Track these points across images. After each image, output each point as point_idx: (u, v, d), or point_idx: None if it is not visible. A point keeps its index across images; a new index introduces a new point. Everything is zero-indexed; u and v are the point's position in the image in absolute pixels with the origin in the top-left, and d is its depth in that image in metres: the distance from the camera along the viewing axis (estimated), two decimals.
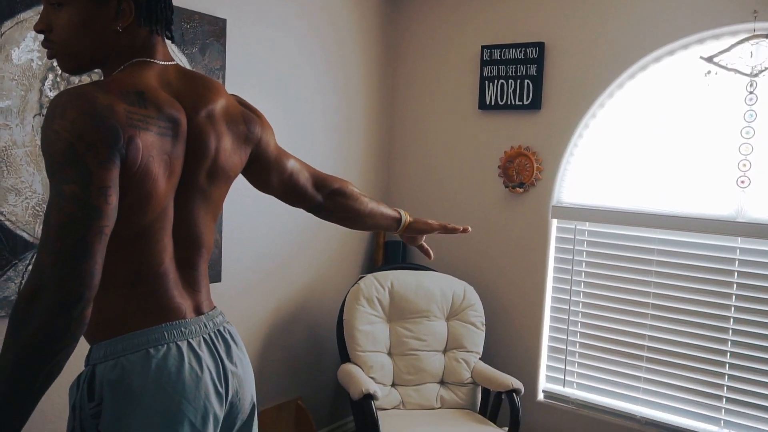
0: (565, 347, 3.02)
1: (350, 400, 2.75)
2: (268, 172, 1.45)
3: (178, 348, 1.18)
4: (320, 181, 1.57)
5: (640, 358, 2.82)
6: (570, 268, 3.00)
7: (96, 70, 1.35)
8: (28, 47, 1.93)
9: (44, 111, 1.99)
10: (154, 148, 1.11)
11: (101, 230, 1.01)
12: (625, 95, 2.86)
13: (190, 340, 1.21)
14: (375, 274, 2.97)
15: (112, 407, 1.12)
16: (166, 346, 1.17)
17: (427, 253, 1.77)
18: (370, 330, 2.83)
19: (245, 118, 1.35)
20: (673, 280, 2.73)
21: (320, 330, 3.20)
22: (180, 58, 2.36)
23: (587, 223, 2.96)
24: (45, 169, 1.03)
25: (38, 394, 1.02)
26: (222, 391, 1.24)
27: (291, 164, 1.50)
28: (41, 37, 1.95)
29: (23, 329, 0.97)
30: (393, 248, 3.40)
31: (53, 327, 0.97)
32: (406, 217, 1.69)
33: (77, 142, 1.00)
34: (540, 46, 2.98)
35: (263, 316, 2.89)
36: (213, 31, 2.47)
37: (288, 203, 1.55)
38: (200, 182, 1.26)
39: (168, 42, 2.21)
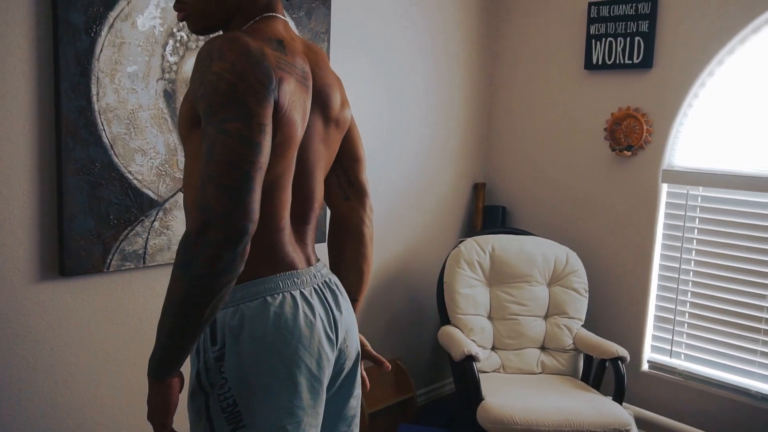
0: (673, 317, 2.90)
1: (450, 362, 2.78)
2: (346, 148, 1.44)
3: (293, 297, 1.23)
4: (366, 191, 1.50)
5: (757, 330, 2.67)
6: (681, 234, 2.87)
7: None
8: (151, 14, 2.03)
9: (166, 75, 2.09)
10: (296, 95, 1.16)
11: (261, 166, 1.05)
12: (747, 51, 2.67)
13: (302, 290, 1.25)
14: (475, 237, 2.96)
15: (234, 351, 1.18)
16: (281, 295, 1.22)
17: (381, 363, 1.53)
18: (470, 293, 2.84)
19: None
20: None
21: (420, 292, 3.24)
22: (288, 21, 2.40)
23: (701, 187, 2.81)
24: (202, 110, 1.06)
25: (203, 326, 1.08)
26: (333, 337, 1.28)
27: (363, 152, 1.48)
28: (163, 5, 2.05)
29: (193, 263, 1.01)
30: (492, 213, 3.37)
31: (221, 260, 1.01)
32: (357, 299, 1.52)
33: (239, 83, 1.04)
34: (653, 0, 2.82)
35: None
36: None
37: (333, 193, 1.47)
38: (321, 137, 1.30)
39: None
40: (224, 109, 1.04)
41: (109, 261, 2.03)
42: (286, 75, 1.13)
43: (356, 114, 2.75)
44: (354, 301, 1.51)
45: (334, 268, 1.52)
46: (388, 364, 1.53)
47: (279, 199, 1.22)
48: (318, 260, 1.37)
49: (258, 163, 1.04)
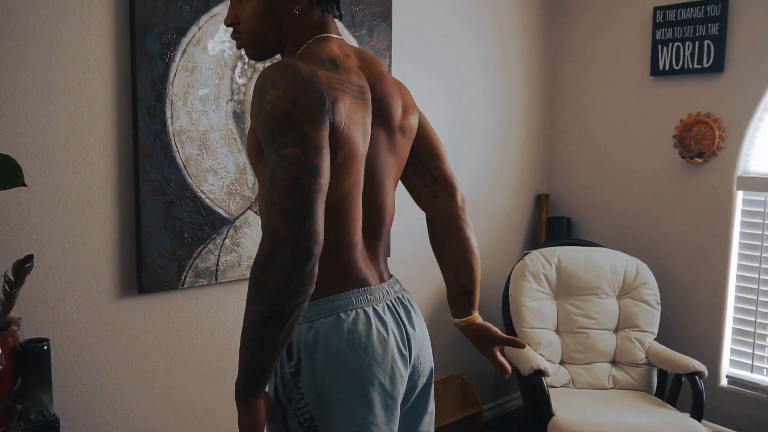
0: (753, 330, 2.78)
1: (517, 377, 2.73)
2: (422, 147, 1.45)
3: (366, 313, 1.24)
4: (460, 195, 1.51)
5: None
6: (759, 243, 2.75)
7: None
8: (220, 39, 2.10)
9: (235, 97, 2.16)
10: (353, 111, 1.18)
11: (321, 188, 1.07)
12: None
13: (375, 306, 1.26)
14: (541, 250, 2.91)
15: (310, 367, 1.20)
16: (354, 311, 1.23)
17: (502, 368, 1.48)
18: (536, 306, 2.79)
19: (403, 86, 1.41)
20: None
21: (485, 306, 3.20)
22: (350, 40, 2.44)
23: None
24: (262, 139, 1.10)
25: (281, 348, 1.10)
26: (406, 353, 1.28)
27: (442, 148, 1.49)
28: (231, 29, 2.12)
29: (264, 288, 1.04)
30: (557, 224, 3.31)
31: (290, 283, 1.04)
32: (475, 315, 1.52)
33: (293, 109, 1.07)
34: (723, 2, 2.73)
35: (430, 290, 2.94)
36: (380, 12, 2.53)
37: (421, 194, 1.49)
38: (387, 147, 1.30)
39: (339, 25, 2.29)
40: (281, 136, 1.07)
41: (183, 278, 2.09)
42: (340, 94, 1.14)
43: None
44: (470, 293, 1.49)
45: (444, 267, 1.50)
46: (523, 341, 1.48)
47: (350, 216, 1.24)
48: (391, 276, 1.38)
49: (317, 185, 1.06)
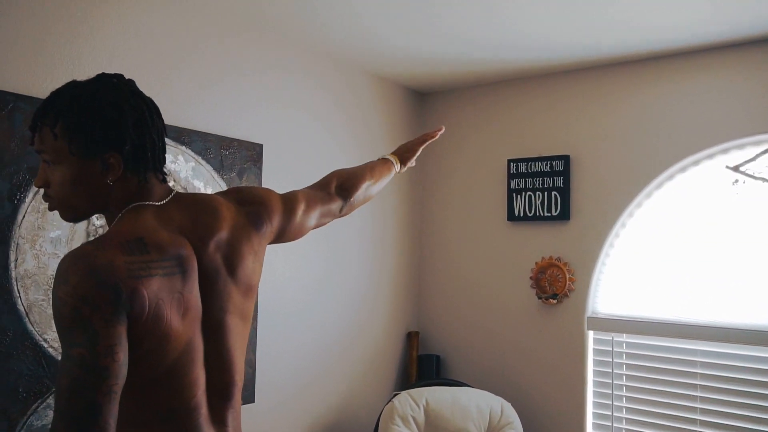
0: None
1: None
2: (299, 230, 1.51)
3: None
4: (336, 193, 1.64)
5: None
6: (610, 381, 2.91)
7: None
8: None
9: (90, 239, 2.07)
10: (163, 291, 1.12)
11: (110, 389, 1.01)
12: (653, 204, 2.88)
13: None
14: (410, 391, 2.91)
15: None
16: None
17: (431, 137, 1.89)
18: None
19: (251, 220, 1.35)
20: (721, 394, 2.63)
21: None
22: (219, 183, 2.46)
23: (624, 334, 2.89)
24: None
25: None
26: None
27: (312, 212, 1.56)
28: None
29: None
30: (427, 362, 3.35)
31: None
32: (397, 163, 1.83)
33: (82, 306, 1.02)
34: (565, 158, 3.06)
35: (306, 419, 2.82)
36: (250, 155, 2.58)
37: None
38: (227, 306, 1.26)
39: (208, 168, 2.30)
40: (71, 334, 1.01)
41: None
42: (143, 281, 1.09)
43: (288, 265, 2.76)
44: (391, 176, 1.82)
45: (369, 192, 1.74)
46: (435, 131, 1.86)
47: (183, 381, 1.17)
48: None
49: (105, 387, 1.01)
